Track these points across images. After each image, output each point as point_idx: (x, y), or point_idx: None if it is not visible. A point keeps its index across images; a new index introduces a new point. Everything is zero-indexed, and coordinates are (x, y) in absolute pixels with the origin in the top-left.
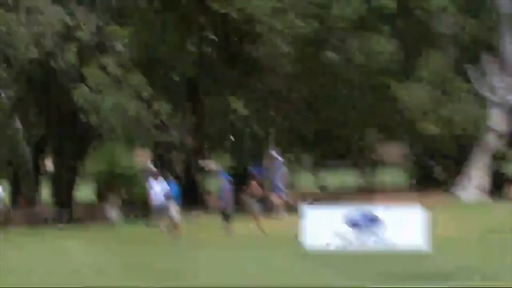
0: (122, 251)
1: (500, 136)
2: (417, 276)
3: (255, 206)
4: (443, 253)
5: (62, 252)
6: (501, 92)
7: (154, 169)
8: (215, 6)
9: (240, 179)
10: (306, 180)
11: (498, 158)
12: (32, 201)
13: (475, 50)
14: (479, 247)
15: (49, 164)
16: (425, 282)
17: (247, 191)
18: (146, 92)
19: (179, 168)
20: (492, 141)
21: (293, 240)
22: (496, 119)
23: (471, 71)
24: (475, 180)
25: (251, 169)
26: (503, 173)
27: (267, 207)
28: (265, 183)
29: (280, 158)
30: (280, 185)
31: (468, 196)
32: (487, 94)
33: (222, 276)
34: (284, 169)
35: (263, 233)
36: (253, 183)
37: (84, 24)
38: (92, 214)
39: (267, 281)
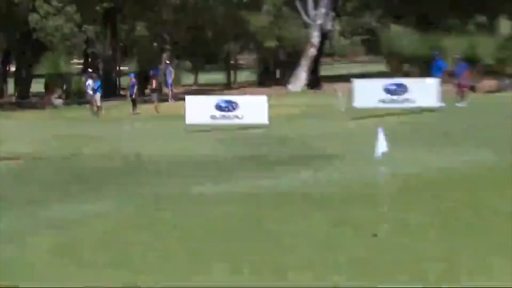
0: (60, 125)
1: (315, 47)
2: (264, 140)
3: (154, 96)
4: (279, 126)
5: (22, 123)
6: (317, 18)
7: (88, 70)
8: None
9: (144, 78)
10: (189, 78)
11: (314, 62)
12: (1, 92)
13: None
14: (302, 119)
15: (12, 68)
16: (267, 145)
17: (149, 86)
18: (79, 18)
19: (102, 70)
20: (311, 52)
21: (179, 118)
22: (314, 37)
23: (298, 4)
24: (300, 78)
25: (152, 71)
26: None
27: (162, 97)
28: (161, 81)
29: (170, 64)
30: (170, 81)
31: (295, 88)
32: (308, 20)
33: (127, 140)
34: (172, 71)
35: (159, 113)
36: (153, 81)
37: None
38: (42, 102)
39: (161, 143)
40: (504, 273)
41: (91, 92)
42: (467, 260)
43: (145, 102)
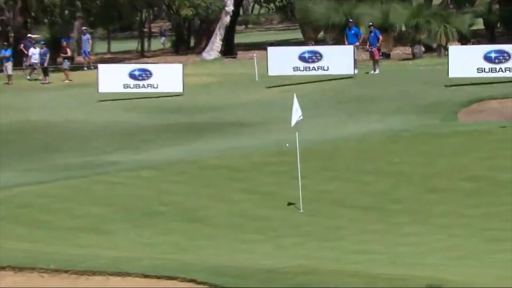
0: None
1: (230, 15)
2: (179, 109)
3: (66, 64)
4: (194, 95)
5: None
6: None
7: None
8: None
9: (56, 46)
10: (101, 47)
11: (229, 30)
12: None
13: None
14: (217, 88)
15: None
16: (182, 114)
17: (61, 54)
18: None
19: (13, 38)
20: (225, 20)
21: (92, 86)
22: (228, 5)
23: None
24: (215, 46)
25: (63, 39)
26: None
27: (75, 65)
28: (73, 49)
29: (86, 31)
30: (88, 49)
31: (210, 56)
32: None
33: (38, 109)
34: (89, 39)
35: (71, 81)
36: (65, 49)
37: None
38: None
39: (73, 112)
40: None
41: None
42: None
43: (57, 70)
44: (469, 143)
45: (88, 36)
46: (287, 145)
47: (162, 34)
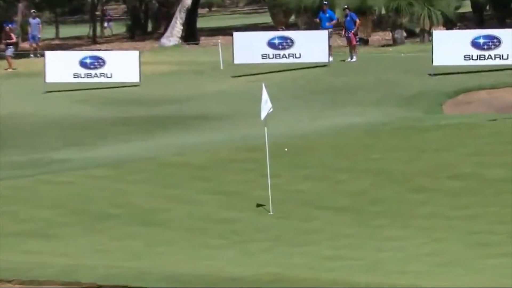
0: None
1: None
2: (136, 101)
3: (9, 51)
4: (153, 85)
5: None
6: None
7: None
8: None
9: None
10: (48, 32)
11: (190, 13)
12: None
13: None
14: (178, 77)
15: None
16: (139, 106)
17: (4, 40)
18: None
19: None
20: (186, 2)
21: (39, 76)
22: None
23: None
24: (175, 31)
25: (6, 23)
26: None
27: (21, 52)
28: (18, 34)
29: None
30: (37, 34)
31: (170, 42)
32: None
33: None
34: (40, 23)
35: (14, 69)
36: (8, 34)
37: None
38: None
39: (19, 104)
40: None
41: None
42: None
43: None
44: (455, 137)
45: (38, 20)
46: (286, 149)
47: (106, 18)
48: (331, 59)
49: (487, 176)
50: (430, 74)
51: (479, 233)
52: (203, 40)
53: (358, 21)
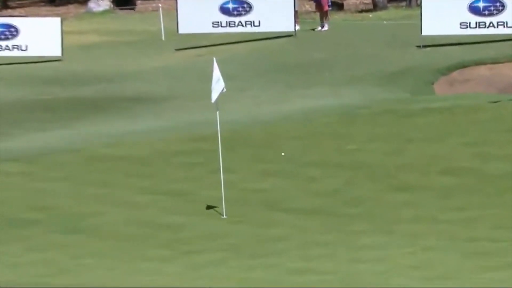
0: None
1: None
2: (55, 80)
3: None
4: (77, 59)
5: None
6: None
7: None
8: None
9: None
10: None
11: None
12: None
13: None
14: (109, 50)
15: None
16: (60, 86)
17: None
18: None
19: None
20: None
21: None
22: None
23: None
24: None
25: None
26: None
27: None
28: None
29: None
30: None
31: (99, 7)
32: None
33: None
34: None
35: None
36: None
37: None
38: None
39: None
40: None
41: None
42: None
43: None
44: (449, 124)
45: None
46: (282, 154)
47: None
48: (297, 27)
49: (486, 171)
50: (418, 46)
51: (476, 240)
52: (140, 4)
53: None
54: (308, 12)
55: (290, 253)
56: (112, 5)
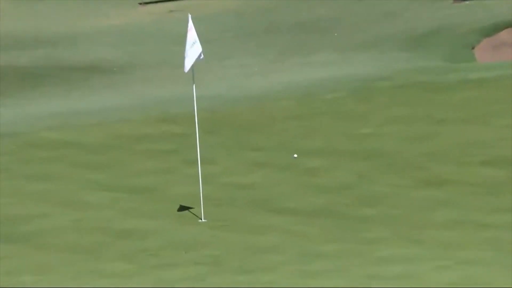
0: None
1: None
2: None
3: None
4: (10, 18)
5: None
6: None
7: None
8: None
9: None
10: None
11: None
12: None
13: None
14: (50, 4)
15: None
16: None
17: None
18: None
19: None
20: None
21: None
22: None
23: None
24: None
25: None
26: None
27: None
28: None
29: None
30: None
31: None
32: None
33: None
34: None
35: None
36: None
37: None
38: None
39: None
40: None
41: None
42: None
43: None
44: (493, 100)
45: None
46: (295, 156)
47: None
48: None
49: None
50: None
51: None
52: None
53: None
54: None
55: (286, 268)
56: None
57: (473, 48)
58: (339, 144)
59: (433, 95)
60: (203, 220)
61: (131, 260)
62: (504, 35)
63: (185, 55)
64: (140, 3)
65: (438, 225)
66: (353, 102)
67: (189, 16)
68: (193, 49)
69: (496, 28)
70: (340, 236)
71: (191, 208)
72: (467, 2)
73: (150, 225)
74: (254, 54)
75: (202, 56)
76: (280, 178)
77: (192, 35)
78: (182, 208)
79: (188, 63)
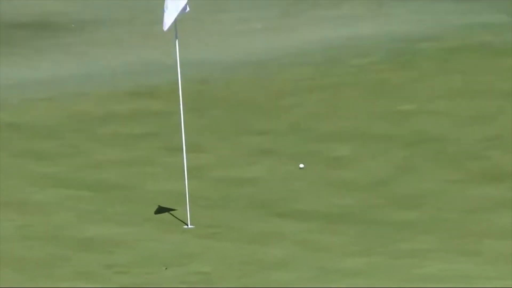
0: None
1: None
2: None
3: None
4: None
5: None
6: None
7: None
8: None
9: None
10: None
11: None
12: None
13: None
14: None
15: None
16: None
17: None
18: None
19: None
20: None
21: None
22: None
23: None
24: None
25: None
26: None
27: None
28: None
29: None
30: None
31: None
32: None
33: None
34: None
35: None
36: None
37: None
38: None
39: None
40: None
41: None
42: None
43: None
44: None
45: None
46: (302, 165)
47: None
48: None
49: None
50: None
51: None
52: None
53: None
54: None
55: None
56: None
57: None
58: (371, 126)
59: (496, 61)
60: (189, 226)
61: (94, 278)
62: None
63: (165, 7)
64: None
65: (500, 232)
66: (390, 69)
67: None
68: (174, 1)
69: None
70: (370, 248)
71: (173, 210)
72: None
73: (119, 233)
74: (254, 7)
75: (188, 9)
76: (291, 171)
77: None
78: (161, 210)
79: (168, 19)
